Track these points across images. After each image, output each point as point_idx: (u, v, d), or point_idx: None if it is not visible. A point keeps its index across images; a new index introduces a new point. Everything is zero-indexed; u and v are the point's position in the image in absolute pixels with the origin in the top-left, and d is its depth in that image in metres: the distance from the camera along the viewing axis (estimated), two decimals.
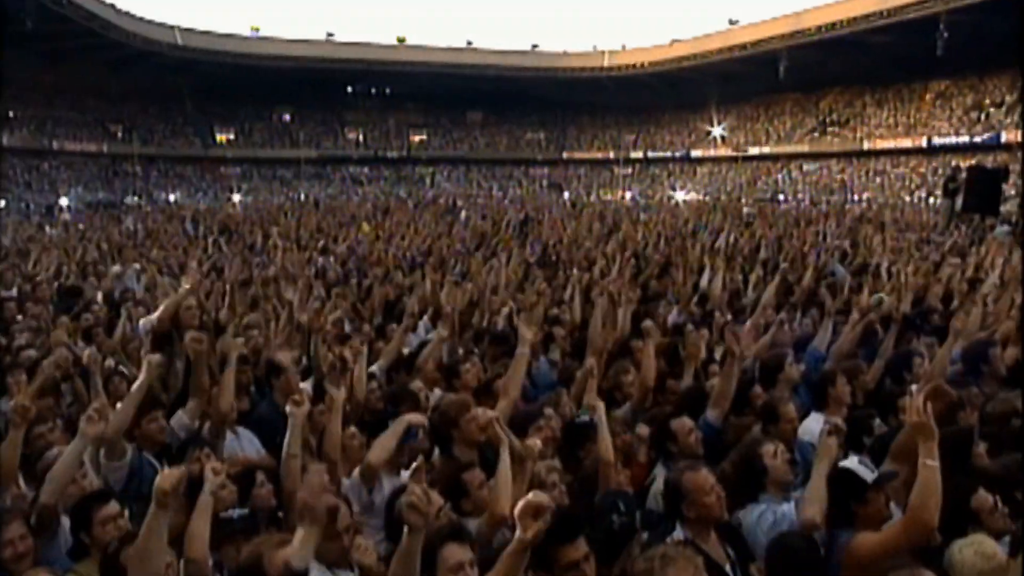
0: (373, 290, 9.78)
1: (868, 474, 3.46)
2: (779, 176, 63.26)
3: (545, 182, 75.24)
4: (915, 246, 14.86)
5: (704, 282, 10.08)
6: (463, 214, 28.68)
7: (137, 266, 12.61)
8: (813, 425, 4.66)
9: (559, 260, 13.15)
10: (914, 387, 3.79)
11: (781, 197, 53.91)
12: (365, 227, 20.98)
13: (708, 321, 7.62)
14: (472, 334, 7.47)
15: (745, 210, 30.98)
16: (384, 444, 4.18)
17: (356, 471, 4.24)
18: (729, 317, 7.87)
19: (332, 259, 13.65)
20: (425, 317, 8.26)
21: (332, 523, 2.93)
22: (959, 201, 19.56)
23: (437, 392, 5.86)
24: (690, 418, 4.55)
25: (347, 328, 7.60)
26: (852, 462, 3.60)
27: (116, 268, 12.54)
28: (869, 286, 9.24)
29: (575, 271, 10.54)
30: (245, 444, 4.98)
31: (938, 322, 7.28)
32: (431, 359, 6.23)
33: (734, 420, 4.73)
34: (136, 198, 60.01)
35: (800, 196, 55.17)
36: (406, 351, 6.89)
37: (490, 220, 22.36)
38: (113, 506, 3.67)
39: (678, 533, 3.41)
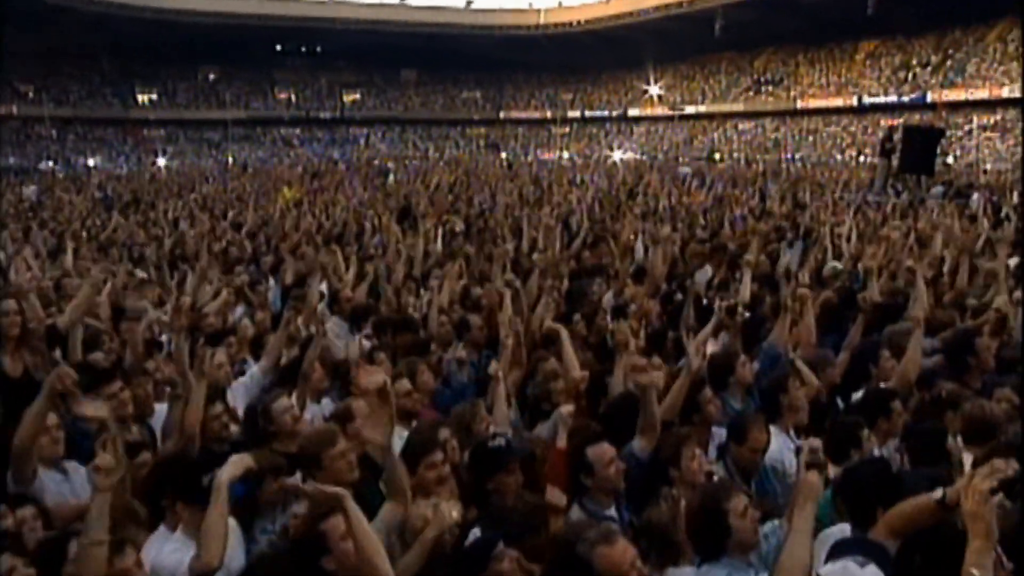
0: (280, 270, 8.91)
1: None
2: (715, 135, 63.58)
3: (483, 142, 74.26)
4: (855, 208, 14.51)
5: (639, 251, 9.45)
6: (391, 177, 27.61)
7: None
8: (772, 443, 4.10)
9: (486, 230, 12.33)
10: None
11: (717, 156, 53.97)
12: (287, 192, 19.86)
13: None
14: (374, 322, 6.63)
15: (682, 170, 30.62)
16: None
17: None
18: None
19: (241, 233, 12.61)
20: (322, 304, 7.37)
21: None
22: (895, 161, 19.40)
23: (326, 403, 5.08)
24: (615, 440, 3.80)
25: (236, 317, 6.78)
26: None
27: None
28: (817, 255, 8.73)
29: (500, 243, 9.81)
30: (77, 484, 3.88)
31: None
32: (316, 361, 5.16)
33: (675, 431, 4.03)
34: (51, 163, 57.03)
35: (736, 155, 55.43)
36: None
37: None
38: None
39: None
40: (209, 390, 4.32)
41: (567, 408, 3.89)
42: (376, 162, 43.41)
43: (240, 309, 7.56)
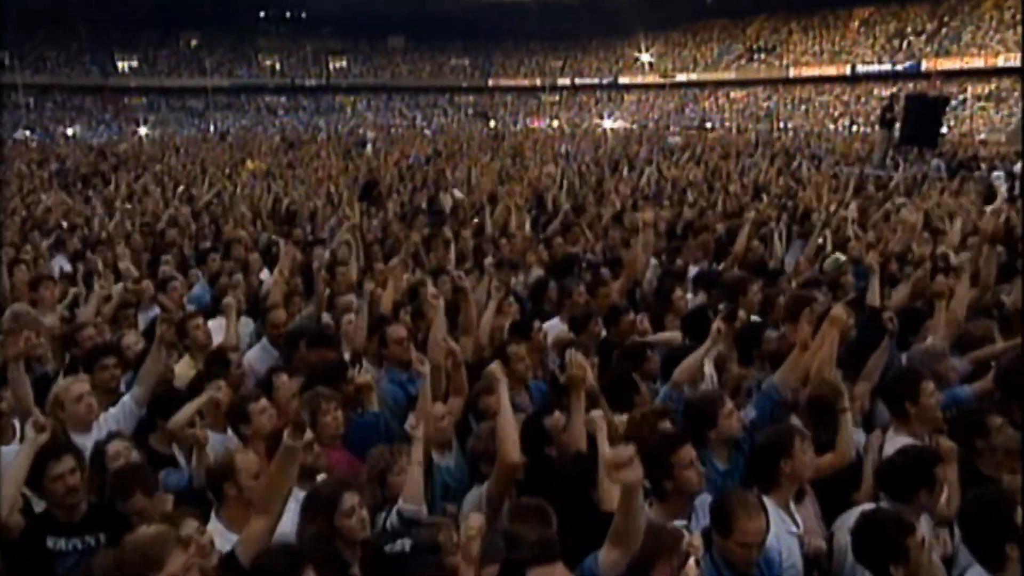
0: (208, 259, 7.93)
1: None
2: (707, 103, 62.60)
3: (471, 110, 72.93)
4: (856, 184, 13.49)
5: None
6: (369, 147, 26.45)
7: None
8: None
9: (457, 210, 11.29)
10: None
11: (708, 125, 52.89)
12: (250, 165, 18.75)
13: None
14: (286, 334, 5.58)
15: (670, 139, 29.53)
16: None
17: None
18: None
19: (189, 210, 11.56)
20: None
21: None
22: (896, 131, 18.38)
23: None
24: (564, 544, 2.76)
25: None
26: None
27: None
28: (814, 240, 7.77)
29: (462, 230, 8.84)
30: None
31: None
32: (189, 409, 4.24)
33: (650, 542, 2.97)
34: (27, 133, 55.46)
35: (728, 124, 54.43)
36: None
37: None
38: None
39: None
40: (52, 440, 3.41)
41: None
42: (362, 131, 42.08)
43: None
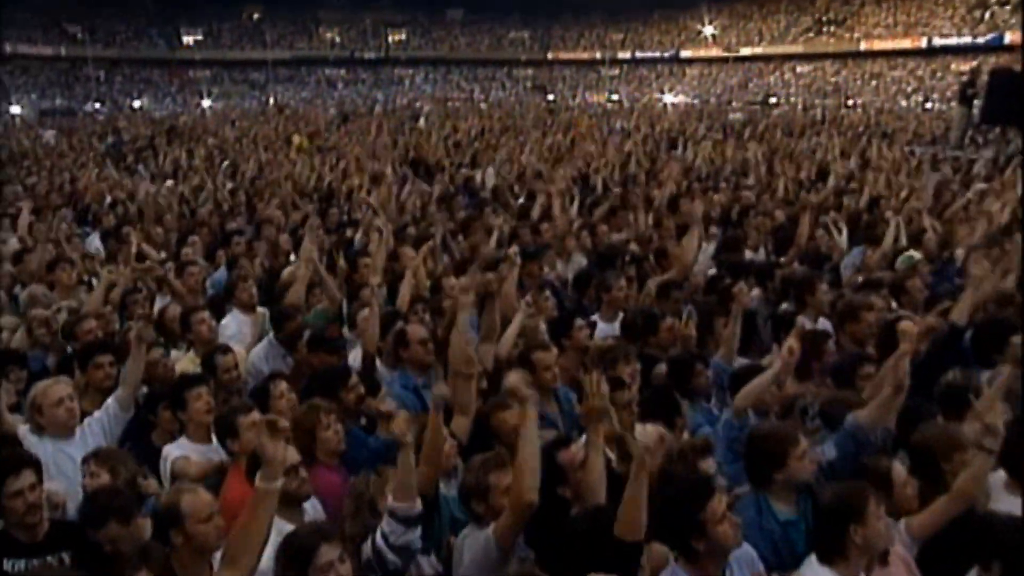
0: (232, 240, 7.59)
1: None
2: (772, 78, 60.68)
3: (529, 84, 72.13)
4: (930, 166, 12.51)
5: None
6: (422, 121, 26.01)
7: None
8: None
9: (498, 190, 10.72)
10: None
11: (773, 100, 51.15)
12: (297, 140, 18.48)
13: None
14: (284, 334, 5.16)
15: (731, 116, 28.39)
16: None
17: None
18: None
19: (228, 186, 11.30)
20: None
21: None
22: (976, 109, 17.08)
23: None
24: None
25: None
26: None
27: None
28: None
29: (500, 215, 8.31)
30: None
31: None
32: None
33: None
34: (97, 105, 56.73)
35: (793, 99, 52.62)
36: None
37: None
38: None
39: None
40: (11, 453, 3.07)
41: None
42: (419, 104, 41.76)
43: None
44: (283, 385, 4.19)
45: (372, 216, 8.09)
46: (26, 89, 59.02)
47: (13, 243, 8.21)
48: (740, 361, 4.77)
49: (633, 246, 7.24)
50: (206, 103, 56.67)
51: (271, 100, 57.93)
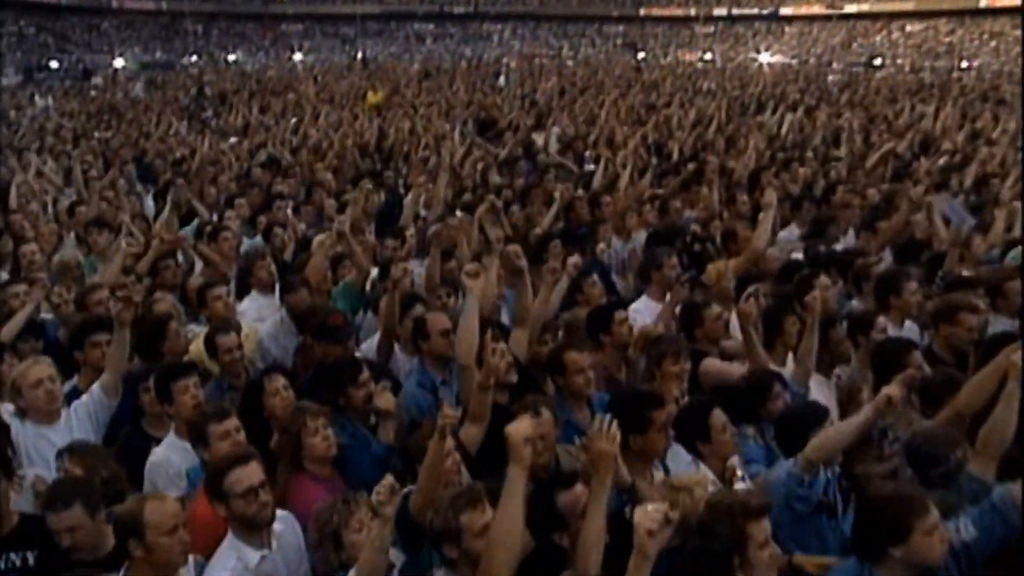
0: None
1: None
2: (878, 37, 57.28)
3: (619, 41, 70.27)
4: None
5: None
6: (502, 79, 25.37)
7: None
8: None
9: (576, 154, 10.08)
10: None
11: (878, 62, 48.20)
12: (371, 97, 18.12)
13: None
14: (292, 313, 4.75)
15: (830, 78, 26.68)
16: None
17: None
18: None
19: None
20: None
21: None
22: None
23: None
24: None
25: None
26: None
27: None
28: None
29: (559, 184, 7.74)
30: None
31: None
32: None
33: None
34: (195, 58, 58.07)
35: (900, 61, 49.50)
36: None
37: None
38: None
39: None
40: None
41: None
42: (505, 60, 40.99)
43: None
44: (279, 381, 3.82)
45: (425, 182, 7.66)
46: (129, 43, 60.75)
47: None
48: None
49: (695, 226, 6.56)
50: (297, 57, 57.20)
51: (359, 55, 58.11)
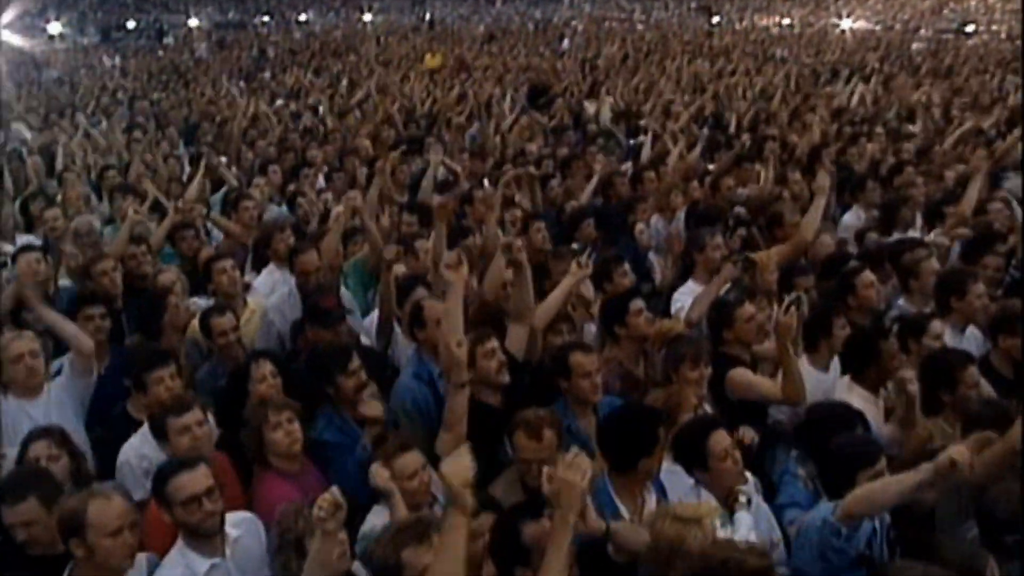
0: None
1: None
2: (973, 2, 54.01)
3: (694, 3, 68.15)
4: None
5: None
6: (566, 42, 24.71)
7: None
8: None
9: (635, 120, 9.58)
10: None
11: (970, 28, 45.43)
12: (429, 60, 17.82)
13: None
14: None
15: (914, 45, 25.16)
16: None
17: None
18: None
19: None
20: None
21: None
22: None
23: None
24: None
25: None
26: None
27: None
28: None
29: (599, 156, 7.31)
30: None
31: None
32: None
33: None
34: (266, 18, 58.54)
35: (996, 28, 46.54)
36: None
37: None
38: None
39: None
40: None
41: None
42: (573, 22, 40.08)
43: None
44: (267, 367, 3.62)
45: (458, 153, 7.36)
46: (204, 3, 61.51)
47: None
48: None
49: (739, 209, 6.06)
50: (367, 17, 57.12)
51: (427, 16, 57.66)
